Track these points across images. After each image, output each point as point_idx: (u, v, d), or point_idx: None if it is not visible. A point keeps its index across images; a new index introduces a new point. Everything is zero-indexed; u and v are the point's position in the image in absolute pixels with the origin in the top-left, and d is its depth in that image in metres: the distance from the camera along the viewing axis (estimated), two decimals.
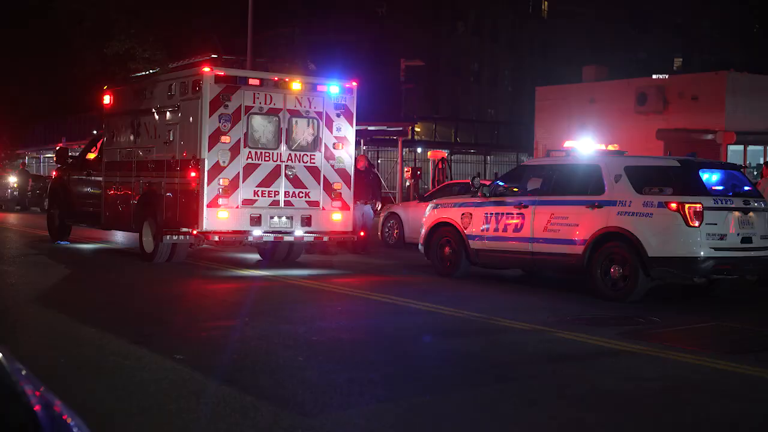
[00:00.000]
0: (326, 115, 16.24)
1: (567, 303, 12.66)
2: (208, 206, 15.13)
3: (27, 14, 49.03)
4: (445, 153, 39.32)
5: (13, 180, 37.82)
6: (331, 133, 16.29)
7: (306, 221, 15.95)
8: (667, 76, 33.11)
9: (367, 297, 12.68)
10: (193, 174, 15.37)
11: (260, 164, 15.60)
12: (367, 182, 19.46)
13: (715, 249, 12.15)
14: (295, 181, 15.91)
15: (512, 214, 14.14)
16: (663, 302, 12.80)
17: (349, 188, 16.49)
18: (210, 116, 15.18)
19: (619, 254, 12.65)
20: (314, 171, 16.13)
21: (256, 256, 17.72)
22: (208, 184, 15.15)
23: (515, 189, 14.71)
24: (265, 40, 35.61)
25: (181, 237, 15.58)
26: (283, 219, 15.80)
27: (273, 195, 15.71)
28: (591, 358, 8.70)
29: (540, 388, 7.33)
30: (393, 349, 8.87)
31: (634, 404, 6.93)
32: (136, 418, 6.18)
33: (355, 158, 17.33)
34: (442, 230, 15.30)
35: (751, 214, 12.61)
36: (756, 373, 8.13)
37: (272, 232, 15.70)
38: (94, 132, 25.51)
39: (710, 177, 13.01)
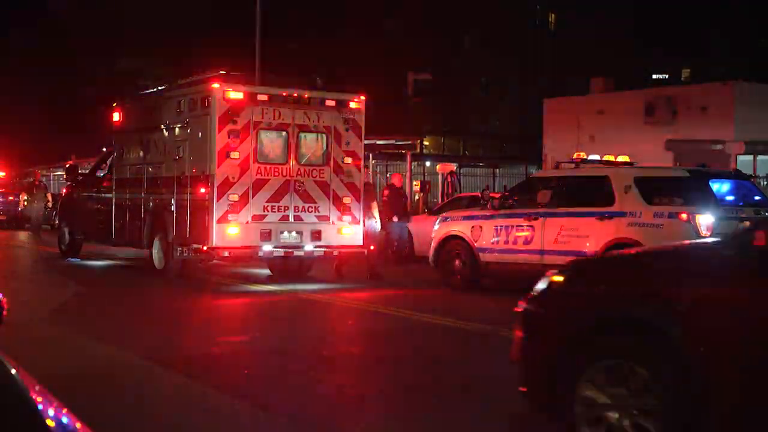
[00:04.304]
0: (335, 129, 16.27)
1: None
2: (218, 222, 15.15)
3: (37, 32, 49.36)
4: (453, 166, 39.28)
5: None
6: (340, 147, 16.31)
7: (316, 236, 15.95)
8: (667, 76, 33.09)
9: (378, 311, 12.67)
10: (202, 190, 15.39)
11: (269, 179, 15.63)
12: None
13: None
14: (305, 196, 15.92)
15: (522, 226, 14.12)
16: None
17: (359, 202, 16.49)
18: (219, 132, 15.22)
19: None
20: (323, 185, 16.14)
21: (267, 271, 17.72)
22: (217, 200, 15.17)
23: (525, 201, 14.69)
24: (272, 55, 35.76)
25: (192, 253, 15.60)
26: (293, 234, 15.81)
27: (282, 210, 15.72)
28: None
29: None
30: (405, 364, 8.86)
31: None
32: None
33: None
34: (451, 243, 15.27)
35: None
36: None
37: (282, 247, 15.70)
38: (104, 149, 25.59)
39: (720, 187, 12.99)
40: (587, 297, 5.45)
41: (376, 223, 17.49)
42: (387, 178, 41.05)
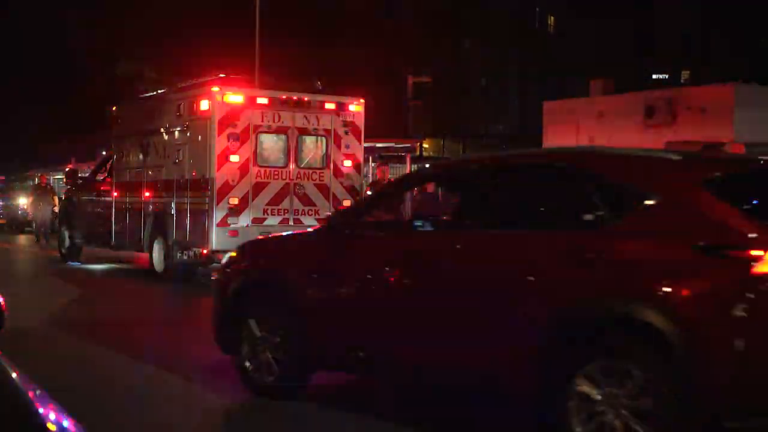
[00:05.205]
0: (334, 132, 16.29)
1: None
2: (217, 225, 15.17)
3: (36, 36, 49.40)
4: None
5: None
6: (340, 150, 16.33)
7: None
8: (667, 76, 33.04)
9: None
10: (202, 193, 15.41)
11: (269, 183, 15.65)
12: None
13: None
14: (305, 199, 15.95)
15: None
16: None
17: None
18: (219, 135, 15.24)
19: None
20: (323, 189, 16.17)
21: None
22: (217, 204, 15.19)
23: None
24: (272, 58, 35.84)
25: (192, 256, 15.61)
26: None
27: (282, 213, 15.75)
28: None
29: None
30: None
31: None
32: None
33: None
34: None
35: None
36: None
37: None
38: (104, 152, 25.59)
39: None
40: (243, 268, 7.55)
41: None
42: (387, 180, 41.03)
